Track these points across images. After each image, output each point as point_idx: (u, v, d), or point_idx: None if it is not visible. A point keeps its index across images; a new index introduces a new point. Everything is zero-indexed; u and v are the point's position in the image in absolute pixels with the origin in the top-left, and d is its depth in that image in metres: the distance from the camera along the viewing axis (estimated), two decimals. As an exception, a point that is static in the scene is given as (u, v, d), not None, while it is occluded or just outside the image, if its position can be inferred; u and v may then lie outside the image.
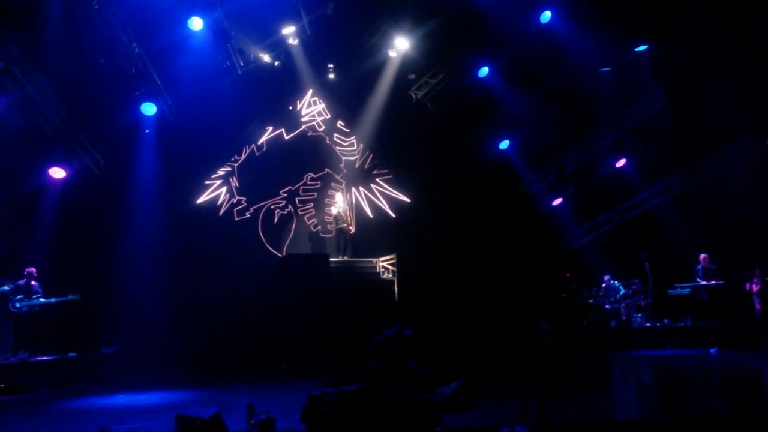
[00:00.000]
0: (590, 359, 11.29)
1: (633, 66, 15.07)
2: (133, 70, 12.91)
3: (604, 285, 14.04)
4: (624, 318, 13.54)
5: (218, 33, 13.48)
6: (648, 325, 13.27)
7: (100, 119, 12.81)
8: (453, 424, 4.69)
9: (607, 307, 13.78)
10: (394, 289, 13.51)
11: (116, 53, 12.57)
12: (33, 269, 10.77)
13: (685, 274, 13.48)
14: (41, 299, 10.58)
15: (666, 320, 13.28)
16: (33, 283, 10.67)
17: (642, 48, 14.73)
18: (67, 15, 11.62)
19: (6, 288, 10.26)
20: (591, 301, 14.14)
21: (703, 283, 12.95)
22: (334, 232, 15.06)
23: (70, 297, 10.64)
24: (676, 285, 13.46)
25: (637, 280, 13.76)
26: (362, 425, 4.23)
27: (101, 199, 12.99)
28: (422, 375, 4.51)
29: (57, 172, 12.33)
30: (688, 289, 13.21)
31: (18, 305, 10.35)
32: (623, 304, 13.61)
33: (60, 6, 11.49)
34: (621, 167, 15.65)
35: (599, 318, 13.78)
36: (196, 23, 12.97)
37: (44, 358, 10.11)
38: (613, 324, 13.55)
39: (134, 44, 12.59)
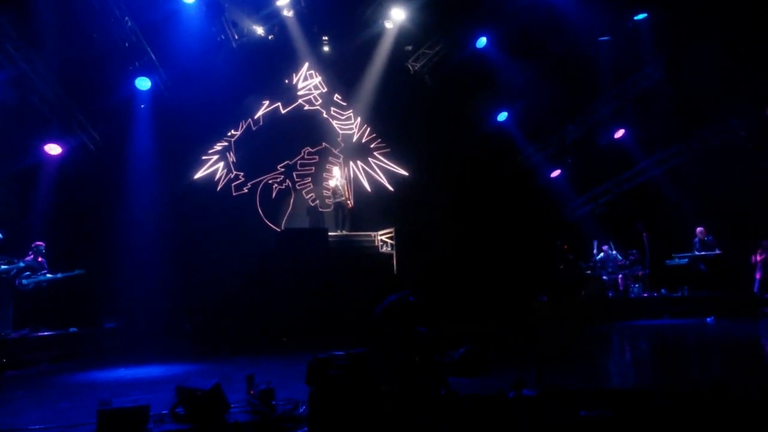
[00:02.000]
0: (588, 329, 11.38)
1: (633, 35, 14.90)
2: (127, 44, 12.75)
3: (602, 255, 14.09)
4: (621, 288, 13.62)
5: (211, 5, 13.31)
6: (645, 295, 13.36)
7: (94, 95, 12.70)
8: (459, 389, 4.74)
9: (604, 278, 13.85)
10: (393, 263, 13.54)
11: (109, 27, 12.39)
12: (41, 243, 10.78)
13: (683, 245, 13.52)
14: (48, 275, 10.62)
15: (663, 290, 13.37)
16: (40, 259, 10.70)
17: (641, 16, 14.54)
18: (57, -12, 11.45)
19: (8, 267, 10.26)
20: (589, 272, 14.20)
21: (701, 253, 12.98)
22: (332, 206, 15.06)
23: (77, 272, 10.69)
24: (673, 255, 13.51)
25: (634, 251, 13.82)
26: (371, 387, 4.25)
27: (98, 176, 12.94)
28: (430, 339, 4.55)
29: (53, 149, 12.25)
30: (686, 260, 13.26)
31: (25, 282, 10.39)
32: (621, 275, 13.69)
33: (51, -19, 11.30)
34: (620, 138, 15.59)
35: (597, 289, 13.85)
36: (189, -5, 12.79)
37: (45, 333, 10.17)
38: (610, 294, 13.63)
39: (127, 18, 12.41)
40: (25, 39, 11.30)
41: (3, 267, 10.18)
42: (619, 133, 15.50)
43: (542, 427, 4.15)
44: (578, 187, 16.06)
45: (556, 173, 16.08)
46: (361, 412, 4.12)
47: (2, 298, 10.35)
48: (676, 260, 13.41)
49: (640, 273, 13.62)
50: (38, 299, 10.58)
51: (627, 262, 13.76)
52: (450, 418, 4.18)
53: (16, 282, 10.37)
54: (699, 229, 13.11)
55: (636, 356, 8.27)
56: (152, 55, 13.06)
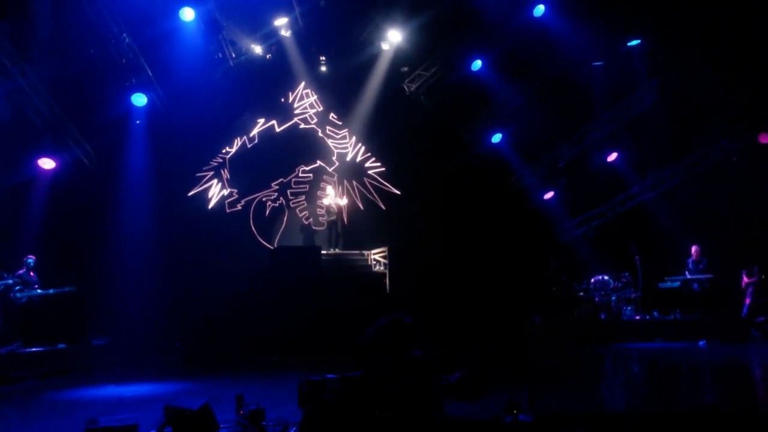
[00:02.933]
0: (581, 351, 11.36)
1: (626, 60, 15.10)
2: (124, 61, 12.78)
3: (593, 281, 14.11)
4: (614, 311, 13.60)
5: (210, 24, 13.38)
6: (638, 317, 13.34)
7: (90, 110, 12.71)
8: (454, 413, 4.70)
9: (597, 299, 13.84)
10: (386, 282, 13.52)
11: (106, 43, 12.42)
12: (32, 257, 10.71)
13: (676, 268, 13.53)
14: (39, 290, 10.54)
15: (655, 313, 13.35)
16: (32, 273, 10.63)
17: (635, 42, 14.76)
18: (55, 4, 11.53)
19: (5, 283, 10.19)
20: (582, 293, 14.19)
21: (693, 276, 13.00)
22: (325, 225, 15.04)
23: (68, 289, 10.63)
24: (666, 278, 13.52)
25: (627, 273, 13.83)
26: (366, 410, 4.20)
27: (92, 191, 12.89)
28: (425, 362, 4.50)
29: (46, 163, 12.22)
30: (678, 282, 13.26)
31: (18, 295, 10.30)
32: (613, 297, 13.68)
33: (50, -4, 11.39)
34: (613, 161, 15.71)
35: (589, 310, 13.84)
36: (188, 14, 12.87)
37: (34, 349, 10.06)
38: (603, 316, 13.61)
39: (124, 34, 12.46)
40: (21, 53, 11.34)
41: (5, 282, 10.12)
42: (612, 156, 15.62)
43: None
44: (572, 209, 16.13)
45: (549, 195, 16.15)
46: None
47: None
48: (669, 283, 13.41)
49: (633, 295, 13.62)
50: (28, 314, 10.49)
51: (619, 284, 13.76)
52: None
53: (10, 295, 10.29)
54: (694, 247, 13.12)
55: (629, 379, 8.25)
56: (149, 71, 13.10)
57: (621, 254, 14.27)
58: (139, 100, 13.22)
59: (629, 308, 13.58)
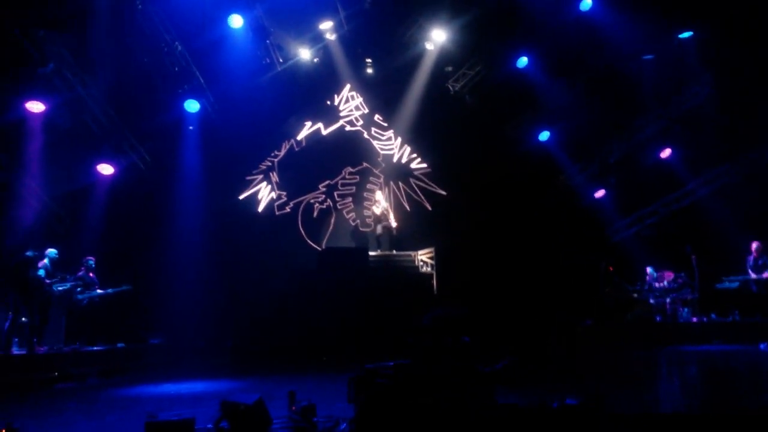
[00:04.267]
0: (635, 354, 11.06)
1: (678, 53, 14.63)
2: (177, 69, 13.25)
3: (647, 278, 13.71)
4: (669, 312, 13.20)
5: (257, 30, 13.72)
6: (695, 320, 12.91)
7: (145, 117, 13.21)
8: (501, 400, 4.72)
9: (651, 301, 13.46)
10: (433, 283, 13.49)
11: (160, 52, 12.93)
12: (92, 258, 11.15)
13: (734, 268, 13.04)
14: (98, 290, 10.99)
15: (713, 315, 12.89)
16: (91, 274, 11.08)
17: (686, 35, 14.29)
18: (112, 16, 11.99)
19: (68, 285, 10.64)
20: (635, 295, 13.83)
21: (753, 276, 12.50)
22: (378, 229, 14.97)
23: (124, 287, 11.05)
24: (723, 279, 13.04)
25: (683, 274, 13.39)
26: (418, 395, 4.30)
27: (147, 194, 13.38)
28: (473, 348, 4.59)
29: (105, 169, 12.75)
30: (737, 283, 12.76)
31: (80, 297, 10.77)
32: (668, 299, 13.28)
33: (106, 8, 11.85)
34: (666, 158, 15.25)
35: (644, 312, 13.46)
36: (236, 21, 13.24)
37: (94, 348, 10.48)
38: (658, 319, 13.23)
39: (177, 43, 12.91)
40: (80, 63, 11.86)
41: (63, 287, 10.55)
42: (666, 153, 15.15)
43: None
44: (623, 207, 15.71)
45: (600, 193, 15.80)
46: (406, 420, 4.15)
47: (56, 313, 10.74)
48: (727, 284, 12.91)
49: (689, 297, 13.17)
50: (88, 314, 10.93)
51: (675, 285, 13.34)
52: (494, 427, 4.17)
53: (74, 297, 10.74)
54: (755, 244, 12.58)
55: (685, 381, 8.00)
56: (200, 78, 13.52)
57: (676, 254, 13.84)
58: (192, 106, 13.66)
59: (686, 310, 13.14)
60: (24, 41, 11.15)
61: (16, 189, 11.62)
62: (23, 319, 9.74)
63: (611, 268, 14.50)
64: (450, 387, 4.34)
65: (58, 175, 12.24)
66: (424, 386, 4.35)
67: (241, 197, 15.01)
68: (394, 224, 14.85)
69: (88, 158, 12.74)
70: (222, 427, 4.69)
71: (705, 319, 12.84)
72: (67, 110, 12.16)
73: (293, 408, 5.08)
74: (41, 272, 9.95)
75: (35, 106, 11.61)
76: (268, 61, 14.65)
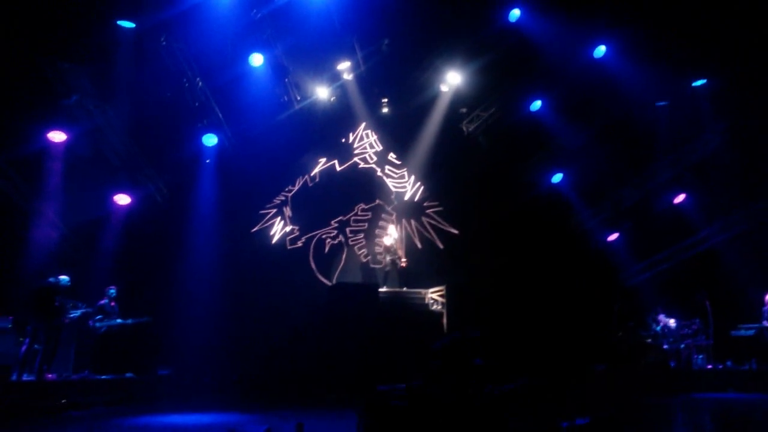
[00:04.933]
0: (647, 401, 10.84)
1: (691, 100, 14.79)
2: (197, 104, 13.54)
3: (661, 324, 13.53)
4: (684, 359, 12.98)
5: (277, 68, 14.02)
6: (709, 367, 12.68)
7: (163, 149, 13.44)
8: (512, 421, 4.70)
9: (665, 347, 13.25)
10: (443, 321, 13.37)
11: (181, 87, 13.24)
12: (114, 288, 11.22)
13: (749, 315, 12.87)
14: (119, 320, 11.01)
15: (729, 362, 12.67)
16: (113, 303, 11.14)
17: (700, 82, 14.46)
18: (136, 50, 12.36)
19: (78, 313, 10.68)
20: (649, 340, 13.63)
21: (769, 325, 12.32)
22: (385, 264, 15.04)
23: (145, 319, 11.09)
24: (739, 326, 12.86)
25: (697, 320, 13.22)
26: (431, 417, 4.29)
27: (163, 226, 13.50)
28: (485, 370, 4.60)
29: (122, 199, 12.93)
30: (753, 331, 12.58)
31: (98, 324, 10.79)
32: (683, 345, 13.08)
33: (131, 42, 12.24)
34: (680, 203, 15.23)
35: (657, 358, 13.24)
36: (257, 59, 13.57)
37: (103, 377, 10.44)
38: (672, 365, 13.00)
39: (198, 79, 13.24)
40: (102, 94, 12.18)
41: (77, 313, 10.60)
42: (680, 198, 15.14)
43: None
44: (637, 252, 15.63)
45: (613, 237, 15.74)
46: None
47: (66, 340, 10.75)
48: (743, 331, 12.74)
49: (704, 343, 12.97)
50: (102, 343, 10.93)
51: (689, 331, 13.16)
52: None
53: (89, 323, 10.77)
54: None
55: (700, 429, 7.82)
56: (219, 113, 13.79)
57: (690, 300, 13.69)
58: (210, 140, 13.90)
59: (700, 357, 12.95)
60: (49, 73, 11.51)
61: (34, 217, 11.80)
62: (36, 345, 9.77)
63: (620, 308, 14.35)
64: (461, 408, 4.33)
65: (76, 204, 12.43)
66: (437, 408, 4.34)
67: (254, 230, 15.10)
68: (403, 260, 14.85)
69: (105, 188, 12.96)
70: (231, 457, 4.65)
71: (720, 366, 12.62)
72: (88, 140, 12.45)
73: (302, 440, 5.03)
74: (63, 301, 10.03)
75: (57, 136, 11.89)
76: (286, 98, 14.92)
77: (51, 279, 10.02)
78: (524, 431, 4.39)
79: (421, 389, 4.50)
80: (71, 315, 10.47)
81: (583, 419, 4.36)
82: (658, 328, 13.56)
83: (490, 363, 4.73)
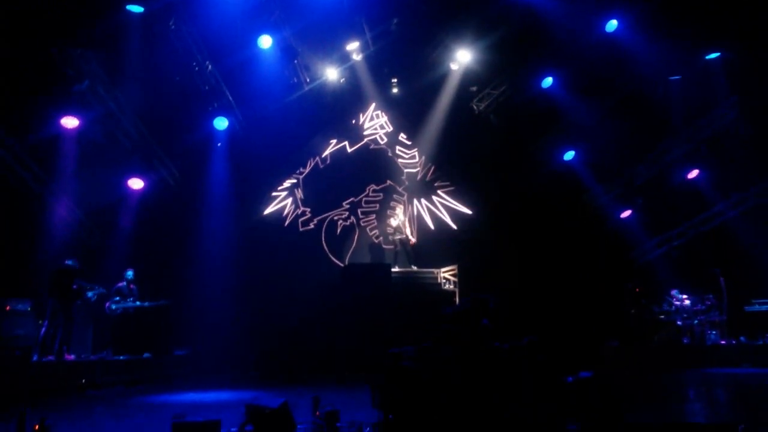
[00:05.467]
0: (661, 376, 10.87)
1: (705, 74, 14.56)
2: (207, 87, 13.57)
3: (675, 301, 13.50)
4: (697, 335, 12.96)
5: (286, 50, 13.98)
6: (723, 342, 12.66)
7: (175, 133, 13.53)
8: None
9: (678, 323, 13.23)
10: (455, 300, 13.45)
11: (191, 71, 13.26)
12: (131, 270, 11.38)
13: (763, 291, 12.80)
14: (137, 302, 11.19)
15: (743, 338, 12.64)
16: (132, 286, 11.30)
17: (714, 56, 14.23)
18: (145, 35, 12.37)
19: (90, 294, 10.84)
20: (662, 317, 13.61)
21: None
22: (396, 244, 15.13)
23: (162, 302, 11.26)
24: (753, 301, 12.80)
25: (710, 296, 13.17)
26: (440, 374, 4.41)
27: (176, 209, 13.65)
28: (492, 329, 4.78)
29: (136, 183, 13.06)
30: (767, 306, 12.52)
31: (114, 306, 10.97)
32: (696, 321, 13.05)
33: (140, 27, 12.23)
34: (694, 178, 15.10)
35: (671, 334, 13.24)
36: (266, 41, 13.53)
37: (121, 357, 10.64)
38: (685, 341, 12.99)
39: (208, 62, 13.25)
40: (113, 79, 12.25)
41: (93, 294, 10.78)
42: (693, 173, 15.00)
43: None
44: (650, 228, 15.55)
45: (626, 214, 15.66)
46: (429, 397, 4.27)
47: (83, 321, 10.96)
48: (756, 306, 12.68)
49: (717, 319, 12.93)
50: (120, 324, 11.13)
51: (702, 307, 13.12)
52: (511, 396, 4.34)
53: (105, 305, 10.96)
54: None
55: (712, 400, 7.85)
56: (229, 96, 13.83)
57: (703, 276, 13.63)
58: (221, 123, 13.97)
59: (714, 332, 12.91)
60: (61, 59, 11.57)
61: (49, 201, 11.95)
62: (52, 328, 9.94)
63: (638, 290, 14.33)
64: (470, 363, 4.47)
65: (90, 189, 12.55)
66: (447, 365, 4.47)
67: (266, 212, 15.20)
68: (412, 239, 14.91)
69: (119, 172, 13.07)
70: (247, 431, 4.76)
71: (734, 341, 12.59)
72: (100, 125, 12.53)
73: (317, 413, 5.12)
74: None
75: (70, 122, 11.98)
76: (295, 80, 14.92)
77: (68, 262, 10.19)
78: (530, 385, 4.48)
79: (431, 350, 4.63)
80: (88, 296, 10.63)
81: (587, 372, 4.46)
82: (672, 305, 13.53)
83: (499, 324, 4.86)
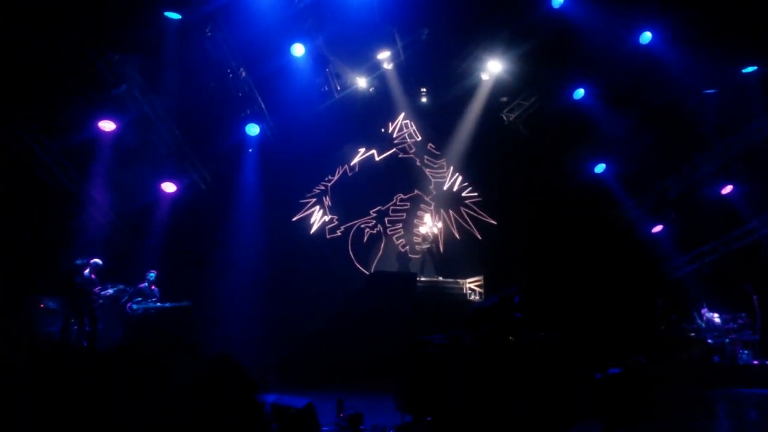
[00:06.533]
0: (690, 394, 10.63)
1: (741, 88, 14.30)
2: (240, 94, 13.80)
3: (704, 318, 13.21)
4: (729, 354, 12.65)
5: (318, 58, 14.17)
6: (756, 362, 12.33)
7: (208, 138, 13.74)
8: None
9: (709, 341, 12.93)
10: (481, 311, 13.36)
11: (225, 78, 13.50)
12: (154, 272, 11.55)
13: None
14: (157, 303, 11.36)
15: (776, 358, 12.30)
16: (153, 287, 11.49)
17: (750, 69, 13.97)
18: (182, 41, 12.64)
19: (110, 291, 11.01)
20: (693, 334, 13.32)
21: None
22: (423, 253, 15.10)
23: (184, 303, 11.39)
24: (788, 320, 12.45)
25: (743, 314, 12.85)
26: (468, 362, 4.43)
27: (206, 213, 13.83)
28: (522, 321, 4.82)
29: (169, 187, 13.30)
30: (803, 326, 12.17)
31: (135, 306, 11.16)
32: (728, 339, 12.74)
33: (177, 33, 12.50)
34: (727, 194, 14.79)
35: (701, 352, 12.94)
36: (298, 49, 13.72)
37: (148, 357, 10.77)
38: (716, 359, 12.68)
39: (242, 69, 13.49)
40: (149, 84, 12.53)
41: (109, 291, 10.95)
42: (727, 189, 14.71)
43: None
44: (682, 244, 15.26)
45: (657, 228, 15.40)
46: (456, 382, 4.31)
47: (114, 320, 11.17)
48: (791, 326, 12.34)
49: (750, 338, 12.61)
50: (144, 324, 11.29)
51: (734, 325, 12.81)
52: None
53: (127, 306, 11.16)
54: None
55: (743, 419, 7.66)
56: (262, 103, 14.03)
57: (736, 294, 13.31)
58: (253, 130, 14.16)
59: (746, 352, 12.58)
60: (100, 63, 11.89)
61: (83, 202, 12.25)
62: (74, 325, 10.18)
63: (668, 306, 14.07)
64: (498, 352, 4.53)
65: (124, 191, 12.83)
66: (474, 354, 4.52)
67: (295, 219, 15.34)
68: (439, 245, 14.90)
69: (152, 176, 13.33)
70: (273, 429, 4.80)
71: (767, 361, 12.26)
72: (136, 129, 12.82)
73: (341, 415, 5.15)
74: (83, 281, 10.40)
75: (107, 125, 12.29)
76: (326, 88, 15.08)
77: (78, 261, 10.40)
78: (558, 380, 4.47)
79: (460, 338, 4.69)
80: (104, 293, 10.77)
81: (615, 369, 4.44)
82: (702, 323, 13.25)
83: (528, 318, 4.94)
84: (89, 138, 12.27)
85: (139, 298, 11.30)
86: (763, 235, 14.22)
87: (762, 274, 13.58)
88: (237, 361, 4.59)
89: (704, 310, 13.31)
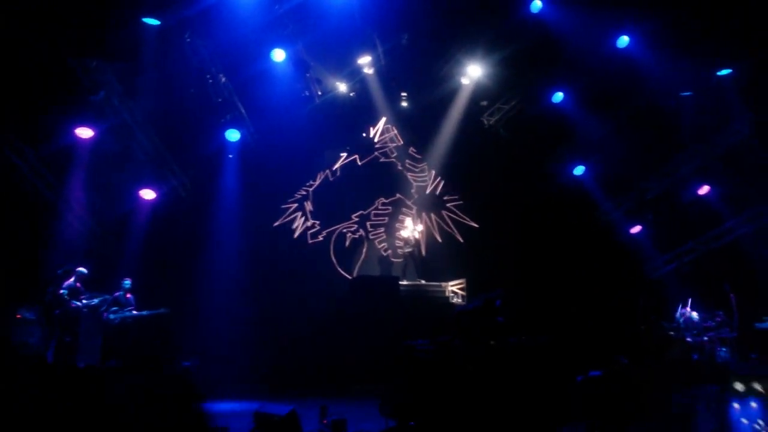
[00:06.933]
0: (672, 393, 10.74)
1: (717, 91, 14.54)
2: (220, 99, 13.72)
3: (681, 318, 13.39)
4: (707, 351, 12.83)
5: (298, 63, 14.13)
6: (733, 360, 12.51)
7: (188, 144, 13.63)
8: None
9: (689, 339, 13.11)
10: (464, 314, 13.40)
11: (204, 83, 13.41)
12: (129, 280, 11.39)
13: (776, 308, 12.66)
14: (134, 311, 11.21)
15: (753, 355, 12.49)
16: (128, 295, 11.33)
17: (725, 72, 14.22)
18: (161, 47, 12.53)
19: (95, 301, 10.87)
20: (672, 333, 13.48)
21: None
22: (405, 257, 15.15)
23: (161, 310, 11.24)
24: (765, 318, 12.66)
25: (721, 312, 13.05)
26: (451, 366, 4.46)
27: (186, 220, 13.71)
28: (507, 327, 4.88)
29: (147, 194, 13.17)
30: (778, 323, 12.38)
31: (112, 316, 11.00)
32: (706, 337, 12.93)
33: (155, 39, 12.40)
34: (705, 195, 15.03)
35: (681, 351, 13.10)
36: (279, 55, 13.67)
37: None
38: (695, 357, 12.86)
39: (221, 75, 13.41)
40: (128, 91, 12.41)
41: (94, 301, 10.81)
42: (704, 190, 14.94)
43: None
44: (661, 244, 15.47)
45: (636, 229, 15.60)
46: (441, 387, 4.31)
47: (92, 330, 10.99)
48: (767, 323, 12.54)
49: (728, 336, 12.80)
50: (123, 334, 11.13)
51: (712, 323, 13.00)
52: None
53: (104, 316, 10.99)
54: None
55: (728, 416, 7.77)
56: (242, 109, 13.96)
57: (714, 292, 13.51)
58: (233, 135, 14.07)
59: (724, 350, 12.78)
60: (78, 70, 11.75)
61: (61, 210, 12.07)
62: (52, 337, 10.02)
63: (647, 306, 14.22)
64: (484, 356, 4.55)
65: (102, 198, 12.69)
66: (458, 358, 4.54)
67: (276, 224, 15.27)
68: (421, 249, 14.93)
69: (131, 183, 13.19)
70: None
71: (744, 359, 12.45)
72: (114, 136, 12.68)
73: (324, 421, 5.13)
74: (64, 291, 10.23)
75: (85, 132, 12.14)
76: (307, 93, 15.04)
77: (59, 271, 10.25)
78: (541, 382, 4.50)
79: (446, 343, 4.72)
80: (85, 303, 10.62)
81: (596, 371, 4.49)
82: (681, 321, 13.42)
83: (512, 322, 4.97)
84: (67, 145, 12.11)
85: (116, 308, 11.13)
86: (740, 235, 14.46)
87: (739, 272, 13.80)
88: (178, 371, 4.60)
89: (683, 309, 13.48)
